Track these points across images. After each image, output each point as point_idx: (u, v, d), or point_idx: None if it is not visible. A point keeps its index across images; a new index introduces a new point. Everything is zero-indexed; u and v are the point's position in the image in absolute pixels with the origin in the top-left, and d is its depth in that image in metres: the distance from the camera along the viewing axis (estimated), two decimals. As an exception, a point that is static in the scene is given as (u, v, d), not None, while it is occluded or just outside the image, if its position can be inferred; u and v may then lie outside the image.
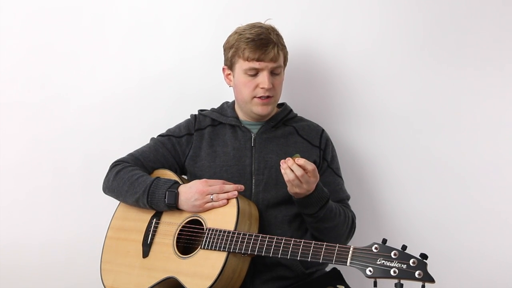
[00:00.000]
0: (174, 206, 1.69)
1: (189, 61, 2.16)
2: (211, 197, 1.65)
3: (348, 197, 1.84)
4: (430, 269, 1.31)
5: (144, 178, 1.74)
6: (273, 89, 1.75)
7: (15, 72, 2.24)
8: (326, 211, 1.65)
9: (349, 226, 1.75)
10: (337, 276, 1.80)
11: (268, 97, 1.75)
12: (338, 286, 1.74)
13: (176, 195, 1.68)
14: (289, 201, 1.75)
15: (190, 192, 1.67)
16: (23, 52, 2.24)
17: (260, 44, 1.72)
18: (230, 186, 1.67)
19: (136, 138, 1.99)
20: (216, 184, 1.67)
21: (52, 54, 2.22)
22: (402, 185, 2.04)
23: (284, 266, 1.70)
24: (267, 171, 1.76)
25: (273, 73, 1.76)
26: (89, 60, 2.21)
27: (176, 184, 1.70)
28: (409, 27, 2.02)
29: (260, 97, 1.75)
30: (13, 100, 2.24)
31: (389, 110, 2.04)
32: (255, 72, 1.74)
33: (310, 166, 1.56)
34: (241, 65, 1.75)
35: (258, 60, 1.72)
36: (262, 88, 1.74)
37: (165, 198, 1.68)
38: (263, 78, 1.73)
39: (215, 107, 1.92)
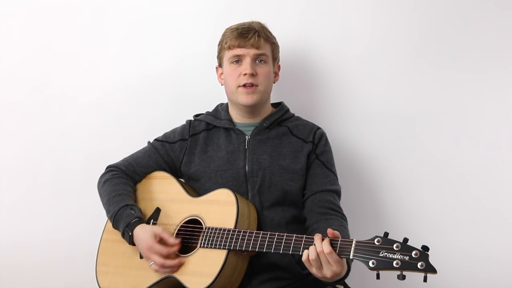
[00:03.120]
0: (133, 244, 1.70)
1: (188, 60, 2.16)
2: (151, 264, 1.64)
3: (337, 191, 1.78)
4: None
5: (120, 197, 1.76)
6: (257, 77, 1.77)
7: (14, 72, 2.24)
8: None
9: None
10: (336, 276, 1.79)
11: (252, 85, 1.77)
12: (337, 286, 1.73)
13: (130, 237, 1.68)
14: (284, 203, 1.75)
15: (140, 240, 1.66)
16: (22, 52, 2.24)
17: (242, 31, 1.78)
18: (170, 263, 1.62)
19: (135, 138, 1.99)
20: (163, 251, 1.62)
21: (52, 53, 2.22)
22: (402, 185, 2.04)
23: (282, 267, 1.69)
24: (260, 172, 1.75)
25: (258, 61, 1.79)
26: (89, 59, 2.21)
27: (135, 223, 1.69)
28: (408, 27, 2.03)
29: (244, 86, 1.77)
30: (13, 99, 2.23)
31: (388, 110, 2.05)
32: (238, 59, 1.78)
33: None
34: (227, 56, 1.80)
35: (239, 46, 1.77)
36: (244, 74, 1.76)
37: (123, 235, 1.71)
38: (245, 65, 1.76)
39: (210, 110, 1.93)
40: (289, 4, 2.10)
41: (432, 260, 1.33)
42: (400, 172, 2.04)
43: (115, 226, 1.73)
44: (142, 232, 1.66)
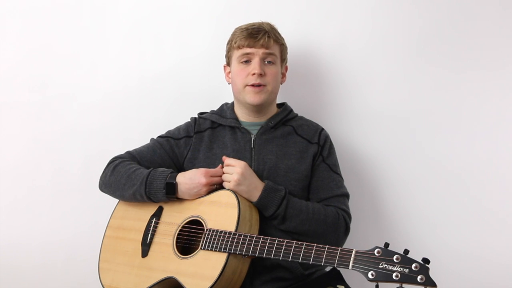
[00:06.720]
0: (173, 197, 1.71)
1: (189, 60, 2.15)
2: (216, 186, 1.70)
3: (344, 194, 1.78)
4: (430, 270, 1.31)
5: (141, 170, 1.75)
6: (265, 77, 1.77)
7: (14, 72, 2.23)
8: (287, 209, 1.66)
9: (329, 223, 1.69)
10: (337, 276, 1.79)
11: (260, 85, 1.76)
12: (338, 286, 1.73)
13: (175, 186, 1.69)
14: None
15: (192, 183, 1.69)
16: (23, 52, 2.23)
17: (252, 32, 1.77)
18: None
19: (136, 138, 1.99)
20: (217, 175, 1.71)
21: (52, 54, 2.21)
22: (402, 185, 2.03)
23: (284, 268, 1.70)
24: (265, 172, 1.75)
25: (266, 61, 1.78)
26: (89, 60, 2.20)
27: (173, 174, 1.72)
28: (409, 27, 2.02)
29: (252, 85, 1.76)
30: (13, 100, 2.23)
31: (389, 110, 2.04)
32: (248, 59, 1.78)
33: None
34: (236, 55, 1.79)
35: (248, 46, 1.76)
36: (253, 74, 1.75)
37: (163, 189, 1.70)
38: (254, 64, 1.76)
39: (215, 109, 1.91)
40: (290, 4, 2.08)
41: (431, 261, 1.32)
42: (401, 172, 2.04)
43: (149, 188, 1.71)
44: (188, 176, 1.70)
